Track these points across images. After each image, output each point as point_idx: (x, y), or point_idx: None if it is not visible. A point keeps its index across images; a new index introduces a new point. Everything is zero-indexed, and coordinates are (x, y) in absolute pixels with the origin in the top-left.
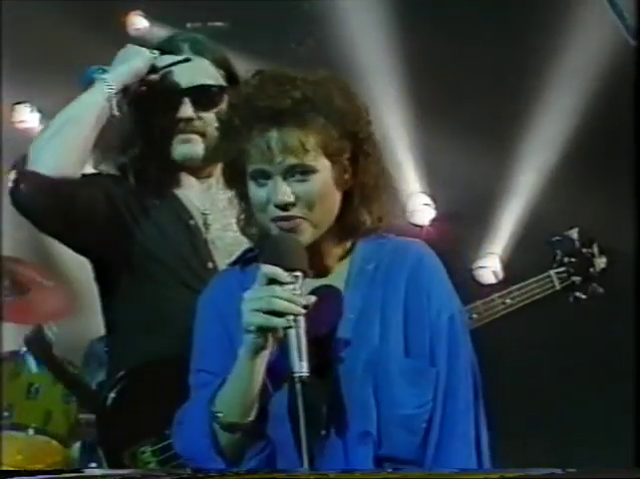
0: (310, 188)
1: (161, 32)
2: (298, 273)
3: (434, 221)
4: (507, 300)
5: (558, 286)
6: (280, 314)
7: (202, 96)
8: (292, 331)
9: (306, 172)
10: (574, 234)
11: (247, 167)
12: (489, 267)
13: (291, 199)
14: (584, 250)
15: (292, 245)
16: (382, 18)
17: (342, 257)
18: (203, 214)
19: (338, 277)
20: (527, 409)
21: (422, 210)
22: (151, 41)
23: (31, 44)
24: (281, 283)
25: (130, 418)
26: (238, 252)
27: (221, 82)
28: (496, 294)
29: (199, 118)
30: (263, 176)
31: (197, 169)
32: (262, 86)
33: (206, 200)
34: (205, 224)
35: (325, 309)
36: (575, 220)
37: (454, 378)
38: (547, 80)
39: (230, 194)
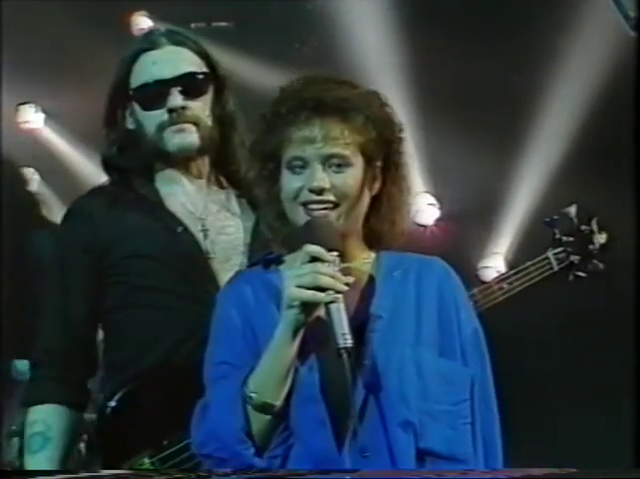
0: (345, 180)
1: None
2: (336, 254)
3: (438, 220)
4: (505, 285)
5: (556, 268)
6: (323, 290)
7: (190, 84)
8: (334, 306)
9: (343, 164)
10: (572, 211)
11: (284, 156)
12: (494, 267)
13: (327, 185)
14: (583, 228)
15: (330, 228)
16: (385, 18)
17: (365, 265)
18: (200, 218)
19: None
20: (526, 409)
21: (426, 209)
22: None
23: (35, 44)
24: (323, 261)
25: (129, 428)
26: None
27: (205, 69)
28: (494, 280)
29: (189, 107)
30: (301, 163)
31: (189, 166)
32: (309, 82)
33: (200, 204)
34: (204, 229)
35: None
36: None
37: (487, 383)
38: (550, 79)
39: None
